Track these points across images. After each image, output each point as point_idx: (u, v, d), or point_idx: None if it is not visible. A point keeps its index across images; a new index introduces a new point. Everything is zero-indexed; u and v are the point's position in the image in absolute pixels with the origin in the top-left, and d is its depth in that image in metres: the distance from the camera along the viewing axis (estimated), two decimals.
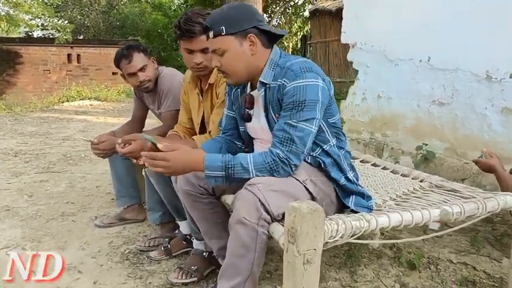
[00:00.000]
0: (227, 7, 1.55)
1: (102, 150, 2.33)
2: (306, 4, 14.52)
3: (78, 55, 13.53)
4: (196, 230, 2.01)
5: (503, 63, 2.90)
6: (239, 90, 1.72)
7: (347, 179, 1.62)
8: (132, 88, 2.70)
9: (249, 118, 1.68)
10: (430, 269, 2.11)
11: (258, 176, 1.45)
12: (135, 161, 1.98)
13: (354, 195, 1.65)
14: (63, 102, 9.18)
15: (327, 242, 1.33)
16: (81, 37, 17.31)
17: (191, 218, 1.91)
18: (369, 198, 1.66)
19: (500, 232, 2.44)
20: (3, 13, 10.97)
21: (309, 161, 1.59)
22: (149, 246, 2.30)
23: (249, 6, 1.58)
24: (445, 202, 1.73)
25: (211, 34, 1.52)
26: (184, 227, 2.24)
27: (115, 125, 6.61)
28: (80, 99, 9.56)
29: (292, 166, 1.48)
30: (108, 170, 3.86)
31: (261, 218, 1.38)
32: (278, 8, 14.61)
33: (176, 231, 2.33)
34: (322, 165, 1.57)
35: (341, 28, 4.34)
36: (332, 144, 1.59)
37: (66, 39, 10.93)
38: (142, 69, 2.38)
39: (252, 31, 1.52)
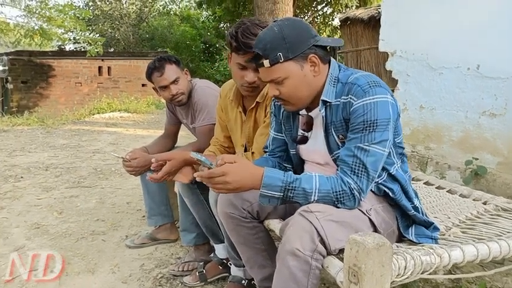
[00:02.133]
0: (278, 27, 1.32)
1: (134, 168, 2.22)
2: (335, 13, 14.33)
3: (109, 67, 13.77)
4: (235, 256, 1.85)
5: None
6: None
7: (415, 208, 1.42)
8: (165, 101, 2.59)
9: (304, 141, 1.51)
10: None
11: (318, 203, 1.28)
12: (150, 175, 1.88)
13: (415, 225, 1.46)
14: (93, 114, 9.24)
15: (393, 281, 1.14)
16: (112, 50, 17.63)
17: (230, 242, 1.75)
18: (435, 229, 1.46)
19: None
20: (36, 27, 11.22)
21: (372, 189, 1.40)
22: (183, 270, 2.16)
23: (301, 22, 1.39)
24: None
25: (266, 63, 1.33)
26: (220, 250, 2.09)
27: (145, 137, 6.58)
28: (110, 111, 9.62)
29: (361, 199, 1.31)
30: (138, 184, 3.78)
31: (316, 250, 1.21)
32: (306, 17, 14.46)
33: (211, 255, 2.18)
34: (391, 193, 1.39)
35: (373, 36, 4.15)
36: (397, 166, 1.41)
37: (97, 52, 11.07)
38: (175, 81, 2.27)
39: (312, 51, 1.34)
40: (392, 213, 1.44)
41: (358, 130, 1.30)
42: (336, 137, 1.39)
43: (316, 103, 1.44)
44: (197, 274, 2.07)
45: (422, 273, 1.18)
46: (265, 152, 1.69)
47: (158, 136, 2.68)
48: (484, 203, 1.88)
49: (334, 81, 1.40)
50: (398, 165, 1.43)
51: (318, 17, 15.26)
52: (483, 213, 1.77)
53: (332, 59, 1.43)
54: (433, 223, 1.48)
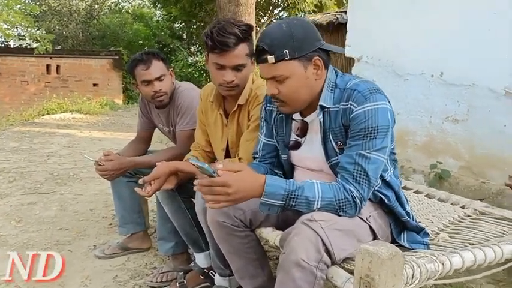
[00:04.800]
0: (287, 25, 1.30)
1: (109, 171, 2.10)
2: (291, 17, 14.46)
3: (58, 66, 13.16)
4: (220, 265, 1.80)
5: None
6: (283, 115, 1.52)
7: (407, 214, 1.44)
8: (139, 104, 2.48)
9: (297, 146, 1.48)
10: None
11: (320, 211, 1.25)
12: (139, 190, 1.77)
13: (406, 231, 1.47)
14: (43, 115, 8.77)
15: None
16: (59, 48, 16.84)
17: (217, 251, 1.70)
18: (426, 235, 1.48)
19: None
20: None
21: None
22: (161, 281, 2.07)
23: (309, 23, 1.37)
24: (504, 234, 1.58)
25: (271, 58, 1.29)
26: (201, 259, 2.02)
27: (101, 140, 6.33)
28: (61, 112, 9.16)
29: (362, 207, 1.30)
30: (101, 190, 3.64)
31: (321, 260, 1.18)
32: (263, 21, 14.54)
33: (192, 264, 2.10)
34: (386, 200, 1.39)
35: (332, 42, 4.20)
36: (391, 173, 1.41)
37: (45, 49, 10.54)
38: (159, 78, 2.16)
39: (317, 54, 1.32)
40: (386, 219, 1.45)
41: (359, 137, 1.29)
42: (334, 143, 1.38)
43: (312, 108, 1.42)
44: (177, 285, 1.99)
45: (427, 280, 1.19)
46: (255, 158, 1.65)
47: (130, 141, 2.55)
48: (463, 207, 1.94)
49: (331, 87, 1.38)
50: (392, 171, 1.44)
51: (274, 21, 15.39)
52: (464, 218, 1.83)
53: (330, 65, 1.42)
54: (424, 229, 1.50)
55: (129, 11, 21.35)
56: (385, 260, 1.04)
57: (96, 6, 19.42)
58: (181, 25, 18.27)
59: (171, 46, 18.88)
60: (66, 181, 3.95)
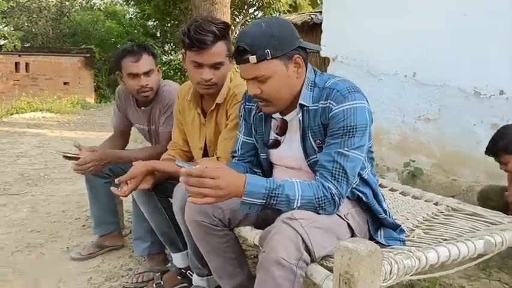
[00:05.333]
0: (266, 24, 1.29)
1: (93, 162, 2.02)
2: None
3: (27, 64, 12.81)
4: (198, 265, 1.79)
5: (492, 80, 2.89)
6: (262, 114, 1.51)
7: (384, 211, 1.46)
8: (116, 101, 2.41)
9: (276, 145, 1.48)
10: None
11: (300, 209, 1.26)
12: (115, 190, 1.72)
13: (383, 228, 1.50)
14: (12, 114, 8.51)
15: (380, 286, 1.15)
16: (28, 45, 16.36)
17: (195, 251, 1.68)
18: (401, 231, 1.51)
19: (505, 254, 2.38)
20: None
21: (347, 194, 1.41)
22: (137, 282, 2.03)
23: (287, 22, 1.36)
24: (476, 229, 1.62)
25: (252, 59, 1.28)
26: (178, 259, 2.00)
27: (73, 139, 6.17)
28: (31, 111, 8.92)
29: (341, 204, 1.31)
30: (73, 191, 3.56)
31: (301, 258, 1.18)
32: (238, 20, 14.52)
33: (169, 264, 2.07)
34: (364, 197, 1.40)
35: (307, 41, 4.24)
36: (368, 171, 1.43)
37: (14, 46, 10.22)
38: (148, 73, 2.09)
39: (297, 52, 1.32)
40: (364, 216, 1.47)
41: (338, 135, 1.30)
42: (312, 141, 1.39)
43: (292, 107, 1.43)
44: (154, 286, 1.96)
45: (405, 276, 1.21)
46: (234, 156, 1.64)
47: (108, 138, 2.48)
48: (436, 204, 1.99)
49: (311, 86, 1.39)
50: (369, 169, 1.46)
51: (249, 20, 15.38)
52: (437, 214, 1.87)
53: (309, 63, 1.42)
54: (400, 225, 1.53)
55: (101, 8, 20.96)
56: (364, 256, 1.05)
57: (66, 3, 18.99)
58: (154, 23, 18.04)
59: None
60: (37, 182, 3.84)
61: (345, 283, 1.08)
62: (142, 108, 2.28)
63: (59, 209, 3.13)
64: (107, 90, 14.68)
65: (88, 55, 13.92)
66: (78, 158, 2.01)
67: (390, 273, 1.17)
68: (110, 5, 21.55)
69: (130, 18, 19.71)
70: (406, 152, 3.49)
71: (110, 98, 13.52)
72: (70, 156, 2.04)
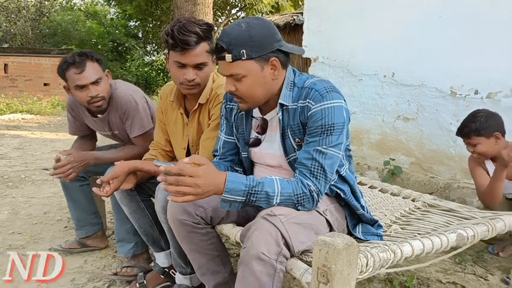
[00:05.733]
0: (247, 25, 1.32)
1: (72, 164, 1.99)
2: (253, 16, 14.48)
3: (5, 64, 12.51)
4: (181, 264, 1.81)
5: (468, 80, 2.98)
6: (243, 113, 1.55)
7: (362, 207, 1.50)
8: (67, 110, 2.29)
9: (257, 143, 1.51)
10: None
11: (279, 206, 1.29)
12: (97, 190, 1.70)
13: (361, 223, 1.54)
14: None
15: (356, 278, 1.19)
16: (7, 45, 16.07)
17: (178, 250, 1.70)
18: (379, 227, 1.56)
19: (479, 248, 2.46)
20: None
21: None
22: (121, 271, 2.04)
23: (269, 24, 1.39)
24: (450, 224, 1.68)
25: (228, 57, 1.32)
26: (161, 258, 2.01)
27: (54, 141, 6.12)
28: (10, 113, 8.77)
29: (319, 201, 1.35)
30: (55, 192, 3.53)
31: (280, 253, 1.22)
32: (221, 20, 14.53)
33: (152, 264, 2.08)
34: (342, 194, 1.45)
35: (289, 42, 4.29)
36: (346, 168, 1.47)
37: None
38: (95, 82, 2.00)
39: (275, 54, 1.35)
40: (342, 212, 1.51)
41: (316, 134, 1.34)
42: (292, 140, 1.42)
43: (272, 106, 1.46)
44: (137, 286, 1.97)
45: (380, 268, 1.25)
46: (215, 155, 1.67)
47: (75, 139, 2.45)
48: (413, 200, 2.05)
49: (290, 86, 1.43)
50: (347, 166, 1.50)
51: (232, 21, 15.42)
52: (414, 210, 1.93)
53: (289, 64, 1.46)
54: (377, 221, 1.58)
55: (82, 8, 20.72)
56: (340, 250, 1.09)
57: (46, 3, 18.74)
58: (136, 23, 17.95)
59: (126, 45, 18.49)
60: (18, 184, 3.79)
61: (323, 276, 1.12)
62: (99, 116, 2.20)
63: (41, 211, 3.10)
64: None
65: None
66: (57, 161, 2.01)
67: (366, 266, 1.20)
68: (90, 5, 21.33)
69: (112, 19, 19.56)
70: (386, 151, 3.57)
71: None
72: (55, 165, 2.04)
